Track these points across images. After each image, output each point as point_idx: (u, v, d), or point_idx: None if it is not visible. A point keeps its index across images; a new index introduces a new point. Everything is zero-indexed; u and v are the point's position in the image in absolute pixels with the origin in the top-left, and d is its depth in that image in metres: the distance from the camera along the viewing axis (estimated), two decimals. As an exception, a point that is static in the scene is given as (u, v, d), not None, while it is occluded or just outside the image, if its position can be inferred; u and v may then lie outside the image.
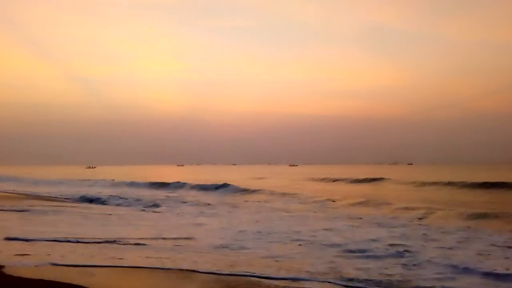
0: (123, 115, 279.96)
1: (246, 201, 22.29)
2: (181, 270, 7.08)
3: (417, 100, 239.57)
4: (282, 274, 6.85)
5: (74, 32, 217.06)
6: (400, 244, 9.04)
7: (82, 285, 6.03)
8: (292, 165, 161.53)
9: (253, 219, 14.35)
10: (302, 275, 6.76)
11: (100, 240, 9.59)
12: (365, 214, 15.38)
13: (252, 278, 6.62)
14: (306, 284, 6.38)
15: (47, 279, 6.26)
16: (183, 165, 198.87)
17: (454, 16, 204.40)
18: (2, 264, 7.08)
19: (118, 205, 20.38)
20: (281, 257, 8.19)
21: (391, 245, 9.02)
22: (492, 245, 8.95)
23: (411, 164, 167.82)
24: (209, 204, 20.32)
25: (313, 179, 44.83)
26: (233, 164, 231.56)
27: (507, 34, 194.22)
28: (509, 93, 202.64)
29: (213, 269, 7.11)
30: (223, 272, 6.93)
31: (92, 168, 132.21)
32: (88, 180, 44.70)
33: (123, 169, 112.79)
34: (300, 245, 9.43)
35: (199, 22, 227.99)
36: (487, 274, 6.56)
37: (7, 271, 6.71)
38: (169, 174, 71.39)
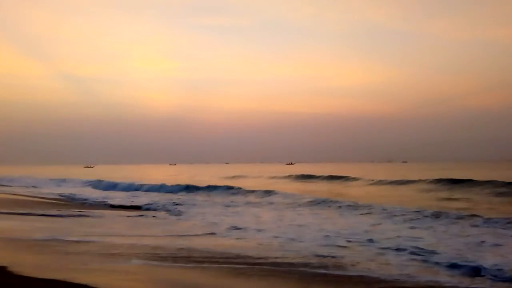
0: (116, 114, 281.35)
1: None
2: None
3: (407, 97, 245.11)
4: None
5: (67, 31, 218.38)
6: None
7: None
8: (289, 164, 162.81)
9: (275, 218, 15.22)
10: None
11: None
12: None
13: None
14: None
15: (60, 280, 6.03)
16: (175, 164, 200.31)
17: (442, 15, 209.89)
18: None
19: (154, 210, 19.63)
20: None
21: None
22: None
23: (406, 162, 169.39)
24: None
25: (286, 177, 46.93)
26: (226, 163, 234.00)
27: (494, 33, 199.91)
28: (497, 91, 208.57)
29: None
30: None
31: (91, 167, 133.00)
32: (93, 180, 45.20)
33: (120, 168, 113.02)
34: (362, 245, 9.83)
35: (192, 21, 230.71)
36: None
37: (15, 270, 6.52)
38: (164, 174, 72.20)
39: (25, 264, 7.09)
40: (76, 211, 17.00)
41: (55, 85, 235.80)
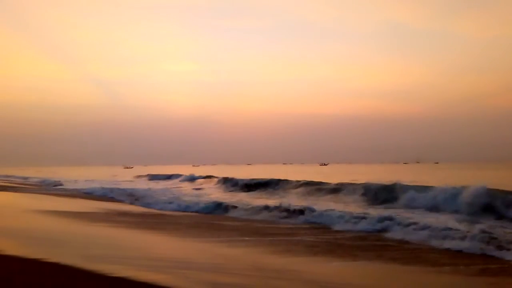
0: (141, 116, 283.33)
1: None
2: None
3: (433, 97, 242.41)
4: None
5: (90, 34, 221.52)
6: None
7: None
8: (322, 164, 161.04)
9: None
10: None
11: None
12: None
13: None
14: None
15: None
16: (198, 166, 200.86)
17: (468, 13, 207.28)
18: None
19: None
20: None
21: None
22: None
23: (437, 163, 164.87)
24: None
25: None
26: (248, 164, 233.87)
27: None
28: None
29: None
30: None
31: (130, 168, 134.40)
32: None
33: (157, 169, 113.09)
34: None
35: (213, 23, 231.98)
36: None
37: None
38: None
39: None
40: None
41: (81, 88, 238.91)
